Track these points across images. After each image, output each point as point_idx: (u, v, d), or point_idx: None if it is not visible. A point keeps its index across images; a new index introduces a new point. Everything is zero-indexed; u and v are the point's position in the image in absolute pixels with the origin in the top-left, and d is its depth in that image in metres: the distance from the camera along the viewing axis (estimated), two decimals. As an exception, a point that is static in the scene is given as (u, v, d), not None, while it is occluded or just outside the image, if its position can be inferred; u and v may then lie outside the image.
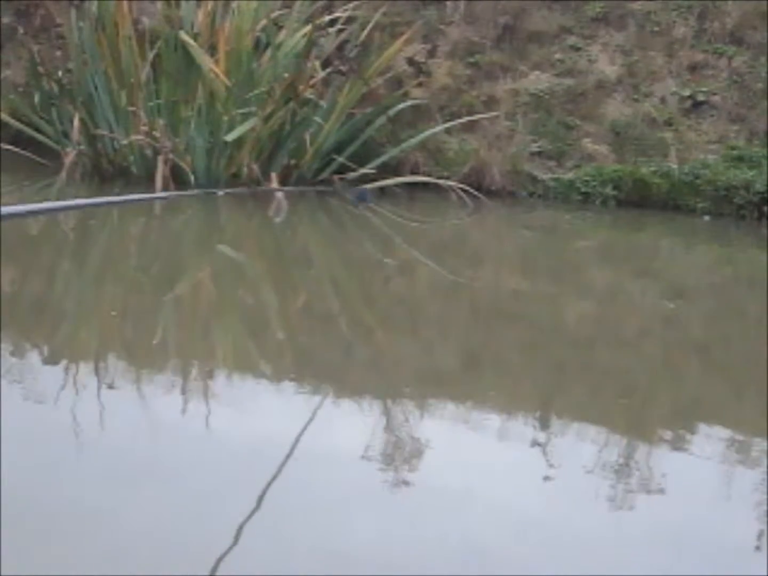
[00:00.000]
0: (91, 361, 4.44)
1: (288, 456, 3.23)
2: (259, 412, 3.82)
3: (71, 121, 9.01)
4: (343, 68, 9.53)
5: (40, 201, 8.30)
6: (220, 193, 8.31)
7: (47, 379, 3.98)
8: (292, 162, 9.20)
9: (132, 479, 3.03)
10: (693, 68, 10.17)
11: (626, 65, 10.19)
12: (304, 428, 3.57)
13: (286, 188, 8.49)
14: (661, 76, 10.14)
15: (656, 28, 10.30)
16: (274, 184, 8.56)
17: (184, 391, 4.01)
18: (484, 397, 4.21)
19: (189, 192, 8.41)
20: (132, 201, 7.94)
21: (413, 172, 9.55)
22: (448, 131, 9.82)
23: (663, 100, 10.01)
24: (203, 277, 6.36)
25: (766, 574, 2.71)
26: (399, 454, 3.47)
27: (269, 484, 3.03)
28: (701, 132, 9.84)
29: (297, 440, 3.40)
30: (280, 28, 9.68)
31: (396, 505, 3.06)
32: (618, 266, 7.74)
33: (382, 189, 9.22)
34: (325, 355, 4.70)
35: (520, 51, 10.32)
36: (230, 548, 2.59)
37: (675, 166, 9.50)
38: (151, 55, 9.05)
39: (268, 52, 9.25)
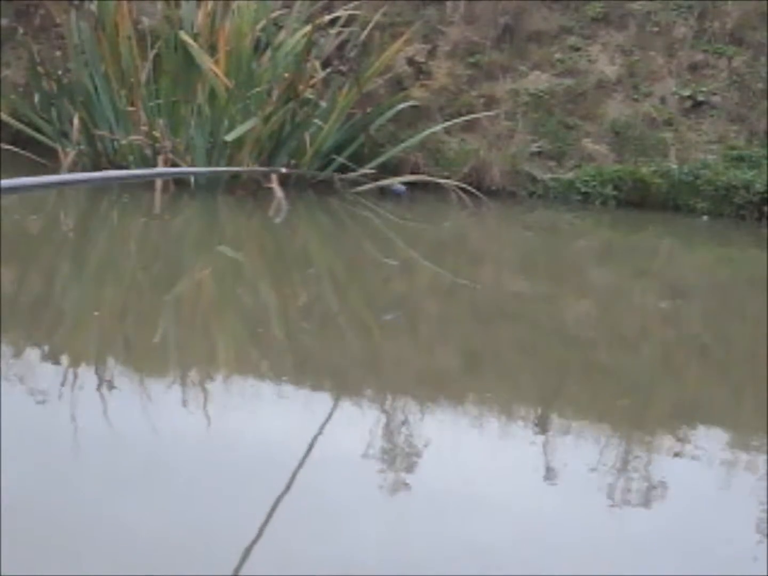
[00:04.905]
0: (91, 361, 4.44)
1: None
2: (259, 412, 3.82)
3: (71, 121, 9.00)
4: (343, 68, 9.52)
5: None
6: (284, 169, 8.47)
7: (46, 379, 3.98)
8: (292, 162, 9.19)
9: (131, 480, 3.02)
10: (693, 68, 10.16)
11: (626, 65, 10.19)
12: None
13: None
14: (661, 76, 10.13)
15: (656, 28, 10.30)
16: (275, 184, 8.56)
17: (183, 392, 4.01)
18: (484, 397, 4.21)
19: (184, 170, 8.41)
20: (138, 177, 7.81)
21: (413, 172, 9.54)
22: (447, 131, 9.81)
23: (663, 100, 10.01)
24: (203, 277, 6.36)
25: (766, 574, 2.70)
26: (399, 455, 3.47)
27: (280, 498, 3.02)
28: (701, 132, 9.84)
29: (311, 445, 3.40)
30: (280, 28, 9.67)
31: (396, 507, 3.06)
32: (618, 266, 7.74)
33: (381, 189, 9.22)
34: (324, 356, 4.69)
35: (520, 51, 10.31)
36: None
37: (675, 166, 9.49)
38: (151, 55, 9.04)
39: (268, 52, 9.24)
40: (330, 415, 3.82)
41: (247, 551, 2.58)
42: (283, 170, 8.42)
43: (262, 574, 2.54)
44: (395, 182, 9.21)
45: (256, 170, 8.65)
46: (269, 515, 2.75)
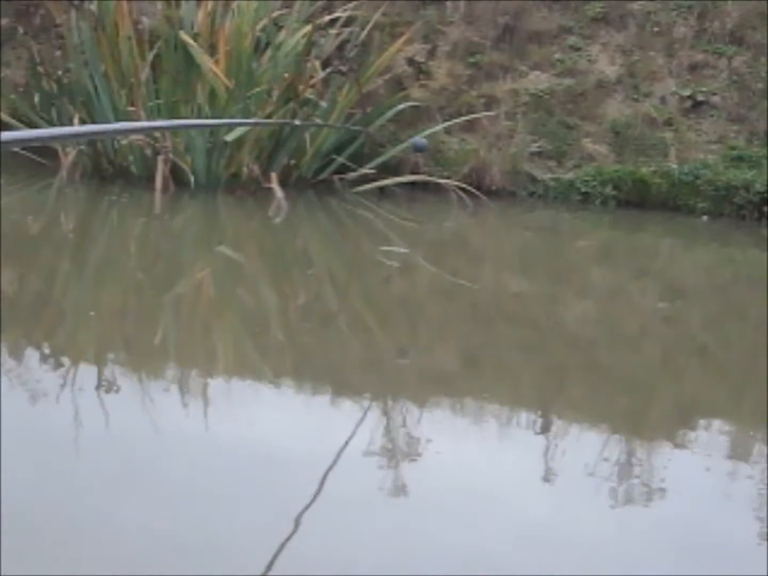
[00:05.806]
0: (90, 361, 4.44)
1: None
2: (259, 412, 3.82)
3: (71, 121, 9.00)
4: (343, 68, 9.52)
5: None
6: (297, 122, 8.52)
7: (46, 379, 3.98)
8: (292, 162, 9.20)
9: (131, 480, 3.02)
10: (693, 68, 10.16)
11: (626, 65, 10.19)
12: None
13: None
14: (661, 76, 10.13)
15: (656, 28, 10.30)
16: (274, 185, 8.56)
17: (183, 392, 4.01)
18: (483, 398, 4.21)
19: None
20: (137, 130, 7.73)
21: (413, 172, 9.55)
22: (448, 131, 9.81)
23: (663, 100, 10.01)
24: (203, 278, 6.36)
25: (766, 574, 2.70)
26: (398, 455, 3.47)
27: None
28: (701, 132, 9.84)
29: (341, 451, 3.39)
30: (280, 28, 9.67)
31: (396, 507, 3.06)
32: (618, 266, 7.74)
33: (381, 189, 9.23)
34: (324, 355, 4.69)
35: (520, 51, 10.31)
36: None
37: (675, 166, 9.49)
38: (151, 55, 9.04)
39: (268, 52, 9.25)
40: (362, 419, 3.81)
41: (274, 558, 2.58)
42: (297, 122, 8.45)
43: (261, 573, 2.54)
44: (415, 137, 9.08)
45: (272, 123, 8.64)
46: (295, 527, 2.74)
